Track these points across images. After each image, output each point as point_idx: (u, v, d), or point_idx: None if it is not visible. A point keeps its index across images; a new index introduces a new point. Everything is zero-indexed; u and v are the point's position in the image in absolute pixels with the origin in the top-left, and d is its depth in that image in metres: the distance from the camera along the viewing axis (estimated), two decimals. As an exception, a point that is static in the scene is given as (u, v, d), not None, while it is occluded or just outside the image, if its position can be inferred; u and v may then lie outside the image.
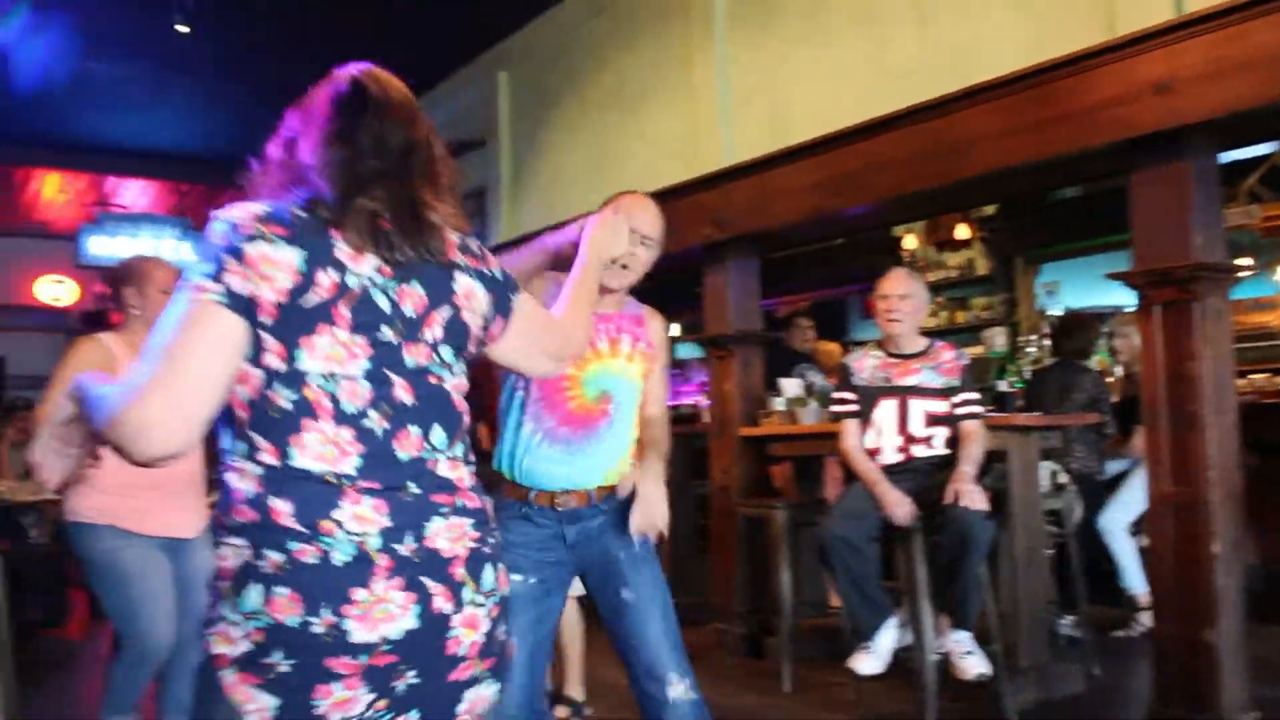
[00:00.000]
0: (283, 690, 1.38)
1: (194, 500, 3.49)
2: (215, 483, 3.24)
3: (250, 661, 1.38)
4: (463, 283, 1.57)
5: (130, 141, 10.15)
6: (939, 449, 4.08)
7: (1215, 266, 3.71)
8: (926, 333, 4.42)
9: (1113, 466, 5.39)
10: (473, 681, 1.50)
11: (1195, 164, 3.71)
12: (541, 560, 2.54)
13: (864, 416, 4.18)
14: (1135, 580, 5.19)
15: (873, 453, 4.13)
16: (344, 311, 1.44)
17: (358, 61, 1.70)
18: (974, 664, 3.86)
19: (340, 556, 1.39)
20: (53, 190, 12.12)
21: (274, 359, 1.41)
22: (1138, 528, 5.20)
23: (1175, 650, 3.72)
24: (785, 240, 6.41)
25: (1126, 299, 6.96)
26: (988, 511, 3.79)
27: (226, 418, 1.43)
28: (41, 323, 14.41)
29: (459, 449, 1.55)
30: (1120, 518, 5.23)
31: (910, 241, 9.29)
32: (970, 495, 3.74)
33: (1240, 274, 6.68)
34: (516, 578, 2.40)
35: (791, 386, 5.36)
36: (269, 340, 1.41)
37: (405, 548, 1.43)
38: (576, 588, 4.08)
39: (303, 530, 1.39)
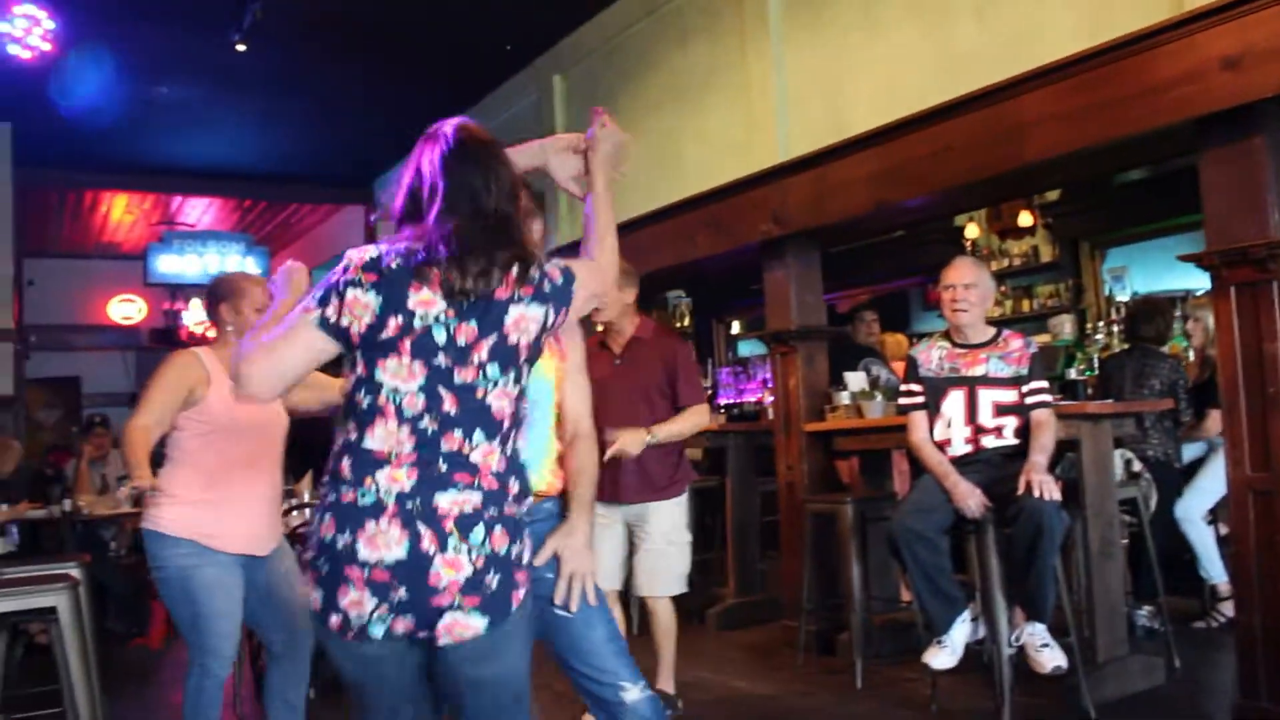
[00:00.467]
0: (322, 587, 1.94)
1: (271, 518, 3.55)
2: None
3: (311, 564, 1.97)
4: (514, 313, 2.00)
5: (193, 161, 10.33)
6: (1009, 439, 4.02)
7: (1293, 244, 3.61)
8: (992, 322, 4.35)
9: (1189, 452, 5.27)
10: (451, 608, 1.92)
11: (1268, 140, 3.61)
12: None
13: (932, 408, 4.13)
14: (1215, 569, 5.07)
15: (941, 445, 4.08)
16: (406, 345, 1.95)
17: (451, 119, 2.11)
18: (1050, 657, 3.79)
19: (366, 501, 1.92)
20: (120, 212, 12.40)
21: (360, 370, 1.98)
22: (1216, 515, 5.09)
23: (1260, 641, 3.62)
24: (845, 234, 6.37)
25: (1197, 282, 6.82)
26: (1061, 501, 3.72)
27: (344, 404, 2.03)
28: (114, 341, 14.77)
29: (499, 445, 2.01)
30: (1198, 505, 5.11)
31: (972, 231, 9.17)
32: (1043, 485, 3.68)
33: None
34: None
35: (856, 380, 5.32)
36: (358, 357, 1.98)
37: (412, 503, 1.92)
38: (652, 586, 4.08)
39: (351, 480, 1.94)
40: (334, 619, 1.93)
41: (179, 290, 14.20)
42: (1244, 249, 3.60)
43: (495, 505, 1.97)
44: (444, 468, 1.95)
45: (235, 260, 12.61)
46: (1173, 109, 3.77)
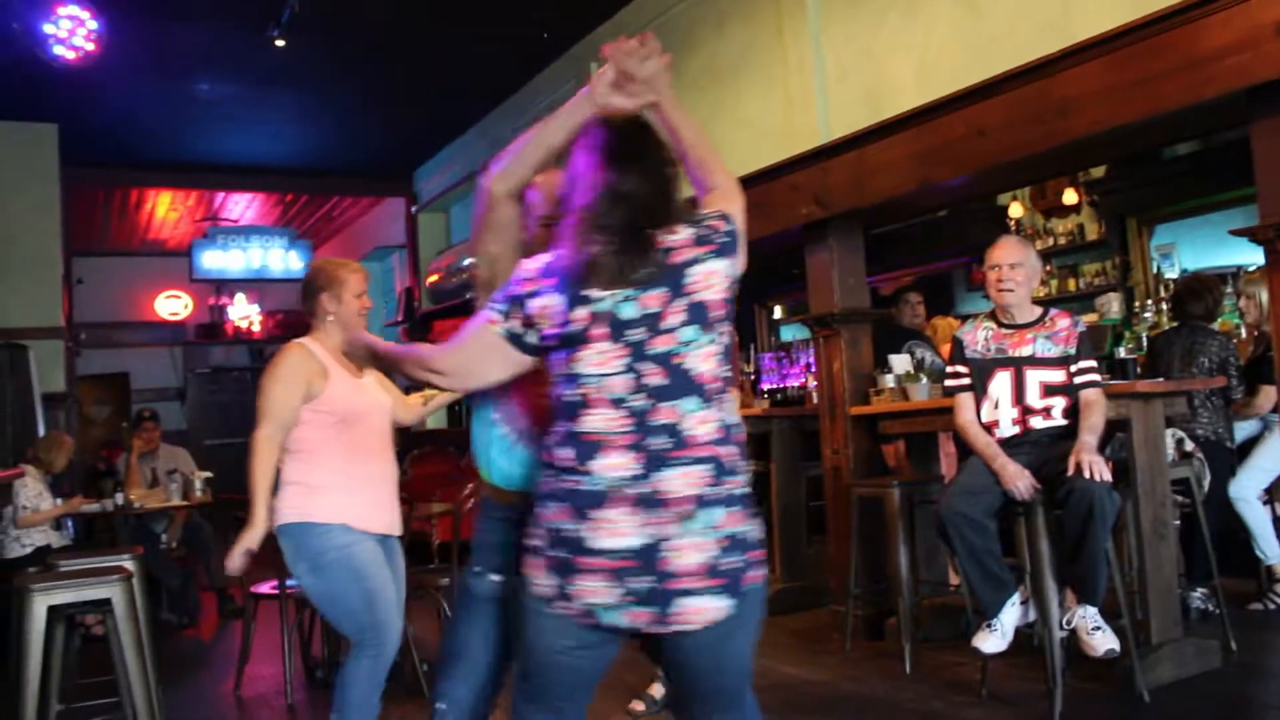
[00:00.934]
0: (554, 574, 1.98)
1: (394, 500, 3.59)
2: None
3: (541, 551, 2.01)
4: (698, 271, 2.04)
5: (235, 157, 10.43)
6: (1057, 419, 3.96)
7: (1349, 215, 3.53)
8: (1037, 302, 4.29)
9: (1242, 431, 5.18)
10: (689, 592, 1.94)
11: (1322, 109, 3.53)
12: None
13: (979, 389, 4.08)
14: (1272, 550, 4.99)
15: (989, 426, 4.04)
16: (597, 330, 2.00)
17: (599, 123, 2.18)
18: (1102, 640, 3.74)
19: (593, 487, 1.96)
20: (165, 209, 12.54)
21: (560, 366, 2.06)
22: (1272, 494, 5.00)
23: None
24: (887, 215, 6.30)
25: (1248, 257, 6.70)
26: (1112, 482, 3.67)
27: (555, 405, 2.09)
28: (161, 337, 14.97)
29: (712, 408, 2.02)
30: (1252, 484, 5.02)
31: (1016, 210, 9.05)
32: (1094, 466, 3.63)
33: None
34: (495, 578, 2.46)
35: (901, 363, 5.27)
36: (555, 355, 2.07)
37: (642, 487, 1.95)
38: None
39: (576, 467, 1.99)
40: (564, 605, 1.98)
41: (224, 285, 14.37)
42: (1298, 221, 3.53)
43: (720, 480, 1.99)
44: (664, 444, 1.97)
45: (279, 255, 12.72)
46: (1223, 79, 3.68)
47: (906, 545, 4.75)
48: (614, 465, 1.96)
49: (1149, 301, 7.73)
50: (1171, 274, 8.22)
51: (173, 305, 15.00)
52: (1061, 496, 3.71)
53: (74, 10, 6.50)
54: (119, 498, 6.90)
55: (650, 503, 1.94)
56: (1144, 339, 6.63)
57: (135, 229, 13.30)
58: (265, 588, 5.02)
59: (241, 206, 12.58)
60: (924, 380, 5.04)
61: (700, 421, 1.99)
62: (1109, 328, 7.63)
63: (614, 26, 7.60)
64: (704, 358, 2.03)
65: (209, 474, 7.39)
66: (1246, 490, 5.01)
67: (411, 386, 3.43)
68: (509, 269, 2.18)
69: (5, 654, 3.74)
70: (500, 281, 2.19)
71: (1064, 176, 8.26)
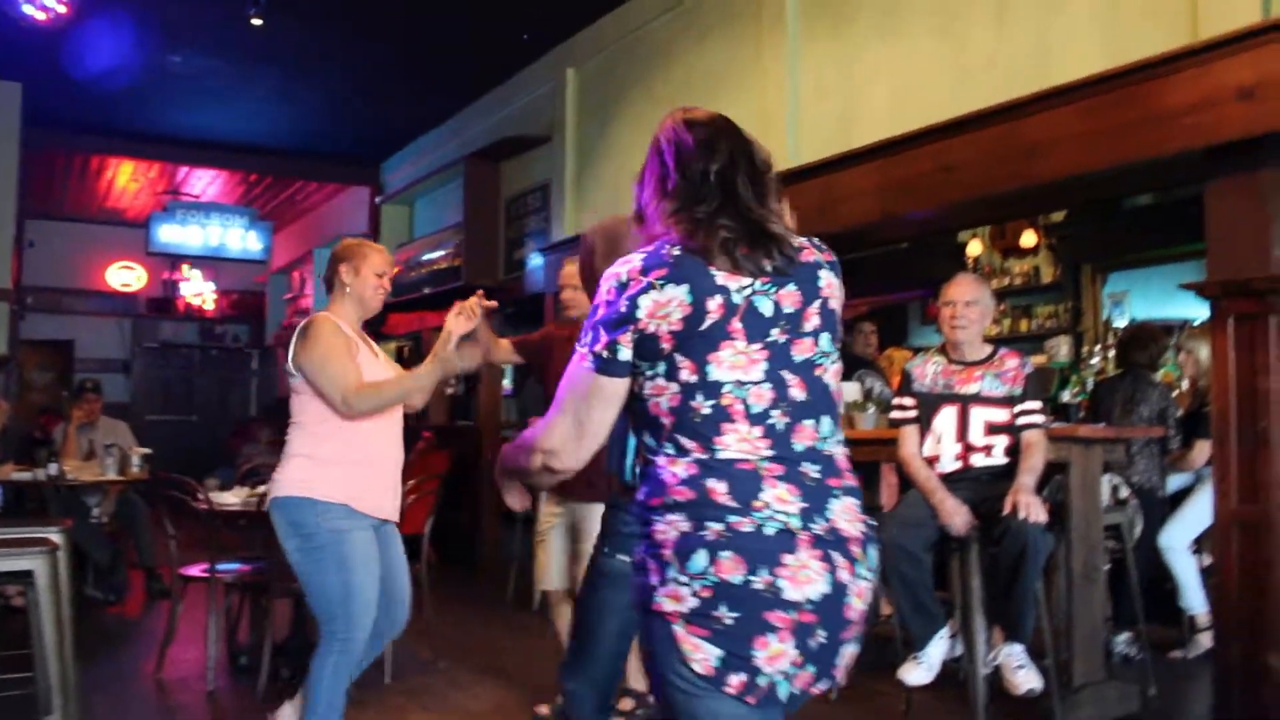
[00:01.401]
0: (726, 641, 1.61)
1: (398, 485, 3.58)
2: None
3: (699, 615, 1.62)
4: (825, 277, 1.80)
5: (202, 132, 10.30)
6: (998, 458, 4.01)
7: (1294, 280, 3.60)
8: (988, 340, 4.34)
9: (1175, 482, 5.26)
10: (851, 641, 1.71)
11: (1276, 173, 3.60)
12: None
13: (924, 423, 4.12)
14: (1195, 600, 5.06)
15: (931, 460, 4.07)
16: (737, 325, 1.69)
17: (676, 109, 1.95)
18: (1026, 679, 3.79)
19: (770, 529, 1.63)
20: (126, 179, 12.37)
21: (688, 374, 1.69)
22: (1200, 545, 5.08)
23: (1236, 674, 3.62)
24: (851, 244, 6.33)
25: (1195, 311, 6.82)
26: (1046, 524, 3.72)
27: (648, 423, 1.75)
28: (110, 307, 14.76)
29: (839, 433, 1.79)
30: (1182, 535, 5.10)
31: (975, 247, 9.16)
32: (1030, 506, 3.67)
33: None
34: (624, 558, 2.62)
35: (850, 391, 5.31)
36: (680, 359, 1.69)
37: (819, 526, 1.66)
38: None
39: (737, 506, 1.64)
40: (737, 679, 1.61)
41: (179, 260, 14.19)
42: (1245, 281, 3.60)
43: (864, 512, 1.76)
44: (815, 472, 1.70)
45: (238, 234, 12.60)
46: (1184, 136, 3.76)
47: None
48: (780, 498, 1.65)
49: (1097, 347, 7.83)
50: (1122, 321, 8.35)
51: (125, 276, 14.79)
52: (997, 535, 3.75)
53: (46, -30, 6.40)
54: (52, 468, 6.76)
55: (830, 543, 1.66)
56: (1089, 384, 6.72)
57: (93, 196, 13.10)
58: (195, 570, 4.94)
59: (204, 182, 12.43)
60: (871, 409, 5.07)
61: (837, 444, 1.77)
62: (1057, 370, 7.73)
63: (595, 33, 7.62)
64: (834, 373, 1.80)
65: (148, 450, 7.27)
66: (1176, 540, 5.09)
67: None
68: None
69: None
70: None
71: (1025, 218, 8.37)
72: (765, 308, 1.71)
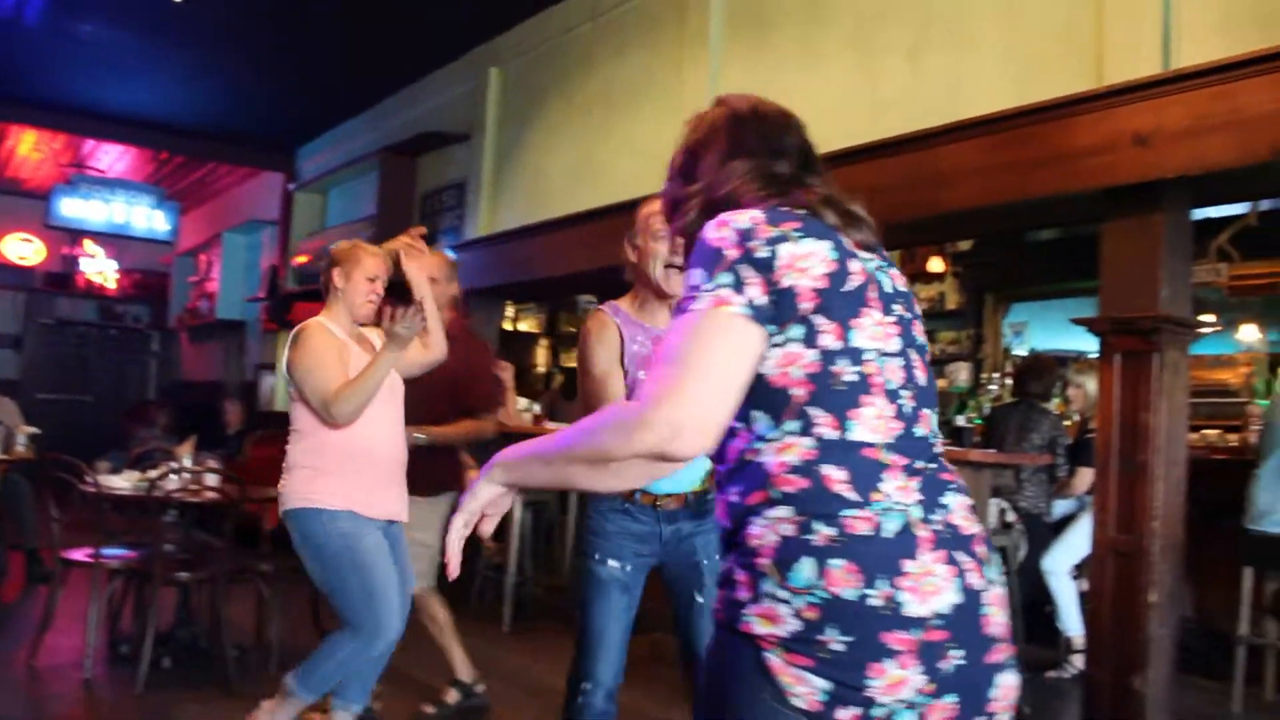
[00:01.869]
0: (835, 670, 1.31)
1: (402, 485, 3.55)
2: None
3: (801, 640, 1.32)
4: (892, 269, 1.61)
5: (112, 105, 10.02)
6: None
7: (1179, 320, 3.76)
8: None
9: (1060, 508, 5.44)
10: (1005, 666, 1.42)
11: (1168, 218, 3.76)
12: (638, 551, 2.73)
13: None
14: (1072, 622, 5.23)
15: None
16: (873, 294, 1.47)
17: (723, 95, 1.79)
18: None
19: (891, 526, 1.35)
20: (28, 148, 11.97)
21: (830, 339, 1.41)
22: (1080, 571, 5.25)
23: (1104, 695, 3.76)
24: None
25: (1091, 345, 7.06)
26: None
27: (766, 400, 1.42)
28: (3, 280, 14.25)
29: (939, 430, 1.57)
30: (1064, 559, 5.27)
31: (884, 271, 9.33)
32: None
33: (1203, 330, 6.79)
34: (614, 564, 2.69)
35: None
36: (821, 322, 1.41)
37: (939, 521, 1.39)
38: (429, 578, 4.03)
39: (856, 498, 1.36)
40: (848, 714, 1.31)
41: (81, 235, 13.78)
42: (1132, 319, 3.74)
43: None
44: (932, 464, 1.45)
45: (144, 212, 12.29)
46: (1084, 177, 3.90)
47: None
48: (902, 489, 1.38)
49: (995, 375, 8.07)
50: (1021, 351, 8.61)
51: (22, 249, 14.30)
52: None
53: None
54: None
55: (953, 542, 1.39)
56: (986, 409, 6.91)
57: (-9, 164, 12.67)
58: (79, 554, 4.81)
59: (111, 157, 12.09)
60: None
61: (939, 438, 1.54)
62: (956, 395, 7.93)
63: (519, 34, 7.61)
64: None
65: (35, 430, 7.05)
66: (1058, 564, 5.26)
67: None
68: None
69: None
70: None
71: (934, 245, 8.58)
72: (886, 283, 1.52)
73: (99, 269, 14.66)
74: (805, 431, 1.39)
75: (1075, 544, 5.19)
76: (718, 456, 1.49)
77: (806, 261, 1.42)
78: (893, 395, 1.43)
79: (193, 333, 14.00)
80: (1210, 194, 3.99)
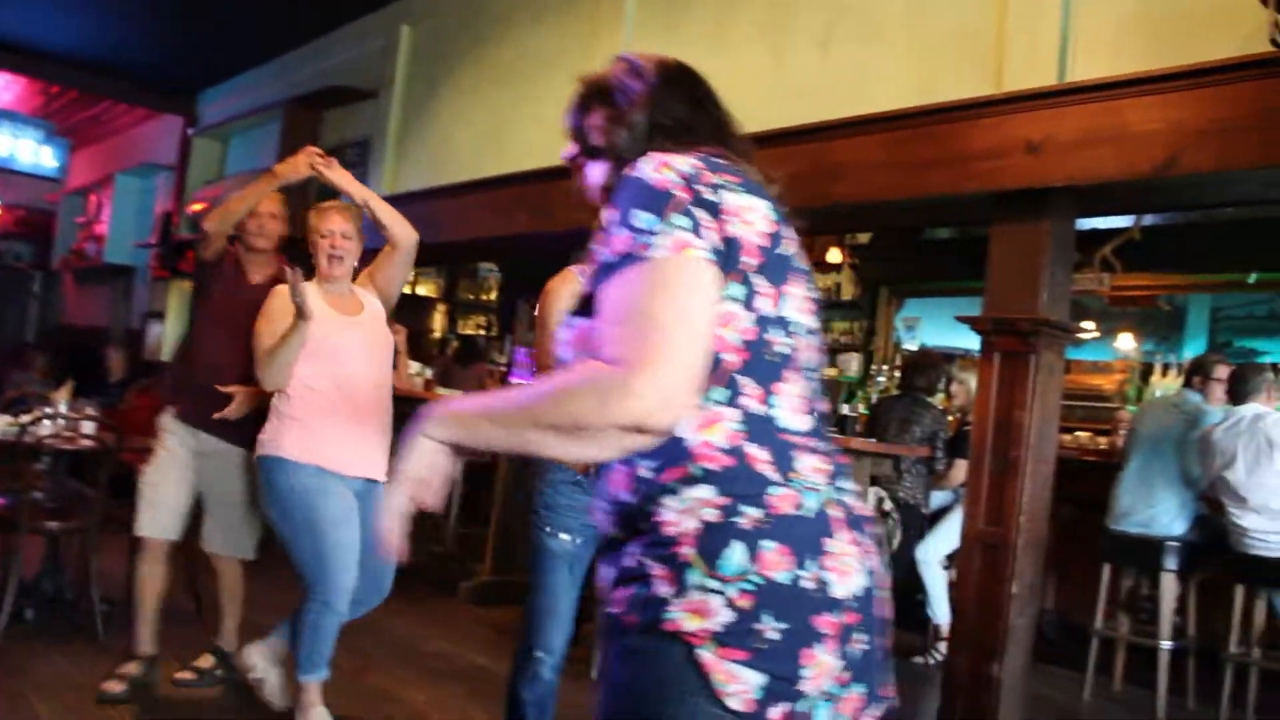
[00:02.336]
0: (769, 662, 1.22)
1: (380, 442, 3.49)
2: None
3: (735, 632, 1.22)
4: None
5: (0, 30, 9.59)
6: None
7: (1056, 325, 3.90)
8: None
9: (937, 499, 5.61)
10: (888, 655, 1.37)
11: (1054, 225, 3.88)
12: (586, 524, 2.79)
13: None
14: (941, 610, 5.41)
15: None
16: (798, 265, 1.39)
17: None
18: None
19: (811, 505, 1.28)
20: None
21: (767, 303, 1.33)
22: (951, 561, 5.43)
23: (963, 680, 3.90)
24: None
25: (977, 344, 7.27)
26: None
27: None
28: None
29: None
30: (937, 549, 5.45)
31: (784, 258, 9.46)
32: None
33: (1081, 335, 7.04)
34: (565, 537, 2.75)
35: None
36: (760, 283, 1.32)
37: (844, 502, 1.34)
38: (242, 548, 3.92)
39: (778, 477, 1.28)
40: (780, 711, 1.23)
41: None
42: (1013, 320, 3.87)
43: None
44: (830, 445, 1.39)
45: (30, 146, 11.80)
46: (976, 179, 4.00)
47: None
48: (815, 470, 1.32)
49: (884, 367, 8.25)
50: (911, 345, 8.82)
51: (-104, 178, 13.64)
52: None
53: None
54: None
55: (856, 523, 1.34)
56: (873, 399, 7.08)
57: None
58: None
59: (-2, 87, 11.58)
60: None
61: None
62: (845, 384, 8.09)
63: (434, -6, 7.49)
64: None
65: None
66: (931, 554, 5.43)
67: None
68: None
69: None
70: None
71: (831, 235, 8.72)
72: (800, 261, 1.43)
73: (-18, 202, 14.07)
74: (731, 402, 1.29)
75: (949, 535, 5.36)
76: None
77: (751, 215, 1.32)
78: (808, 374, 1.38)
79: (78, 275, 13.51)
80: (1095, 205, 4.13)
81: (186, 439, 3.82)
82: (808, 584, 1.24)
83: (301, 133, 8.79)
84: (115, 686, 3.74)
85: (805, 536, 1.26)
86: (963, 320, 4.16)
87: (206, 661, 3.99)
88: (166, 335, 10.46)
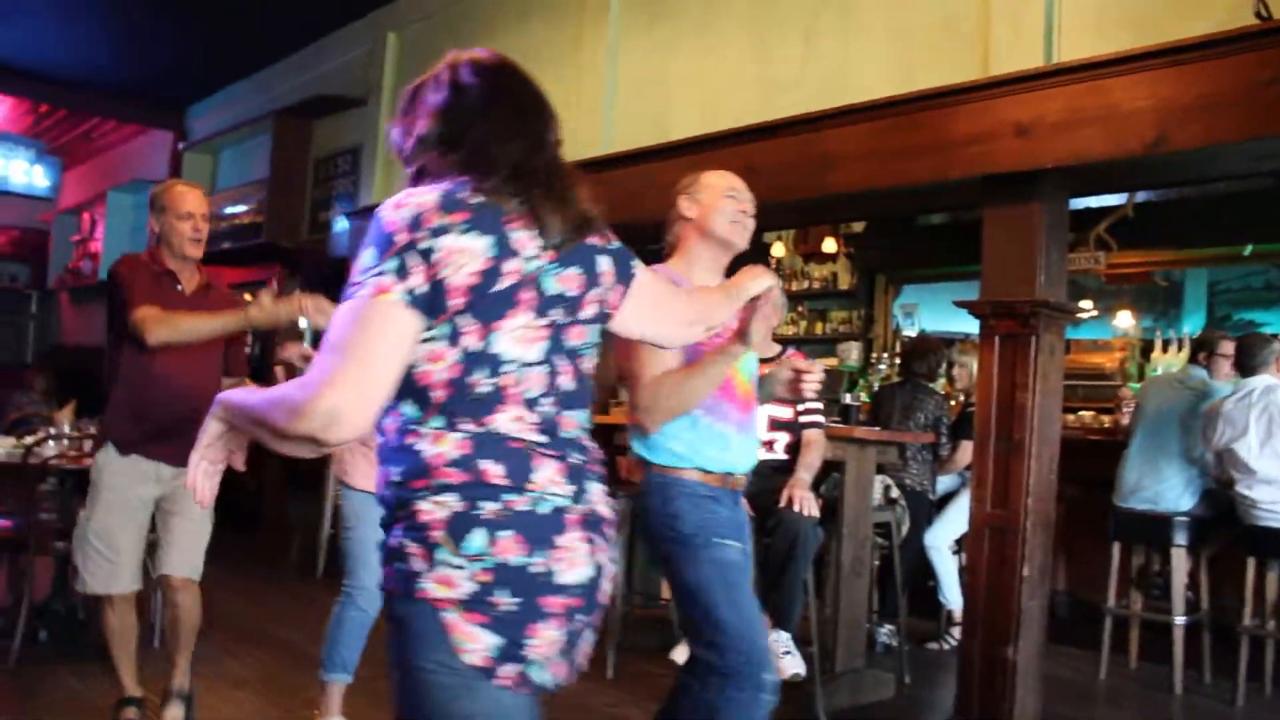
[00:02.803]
0: (504, 628, 1.48)
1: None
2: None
3: (476, 601, 1.47)
4: (603, 263, 1.67)
5: (-10, 52, 9.58)
6: (779, 454, 4.19)
7: (1055, 305, 3.90)
8: (780, 340, 4.52)
9: (943, 484, 5.61)
10: (593, 628, 1.63)
11: (1046, 206, 3.88)
12: (741, 534, 2.70)
13: (711, 416, 4.24)
14: (952, 596, 5.42)
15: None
16: (527, 296, 1.52)
17: (468, 49, 1.74)
18: (790, 664, 3.97)
19: (544, 509, 1.51)
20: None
21: (472, 340, 1.49)
22: (960, 546, 5.44)
23: (977, 664, 3.90)
24: (659, 234, 6.47)
25: (974, 327, 7.27)
26: (819, 518, 3.91)
27: (413, 393, 1.51)
28: None
29: (590, 425, 1.68)
30: (945, 535, 5.45)
31: (779, 249, 9.47)
32: (804, 501, 3.86)
33: (1080, 315, 7.04)
34: (736, 544, 2.63)
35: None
36: (466, 322, 1.48)
37: (583, 507, 1.57)
38: (196, 569, 3.53)
39: (513, 485, 1.50)
40: (512, 669, 1.50)
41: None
42: (1011, 303, 3.87)
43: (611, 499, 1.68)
44: (579, 459, 1.60)
45: (21, 167, 11.80)
46: (965, 164, 3.99)
47: (623, 555, 4.89)
48: (553, 480, 1.53)
49: (885, 355, 8.25)
50: (910, 332, 8.81)
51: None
52: (770, 526, 3.92)
53: None
54: None
55: (593, 524, 1.58)
56: (875, 387, 7.08)
57: None
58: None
59: (-13, 108, 11.58)
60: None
61: (589, 434, 1.67)
62: (846, 373, 8.09)
63: (418, -1, 7.49)
64: (594, 364, 1.69)
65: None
66: (940, 540, 5.44)
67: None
68: None
69: None
70: None
71: (826, 226, 8.72)
72: (549, 286, 1.56)
73: (-29, 225, 14.06)
74: (451, 427, 1.50)
75: (957, 520, 5.37)
76: (379, 429, 1.56)
77: (463, 258, 1.46)
78: (532, 404, 1.54)
79: (74, 294, 13.50)
80: (1087, 185, 4.14)
81: (136, 474, 3.45)
82: (538, 570, 1.49)
83: (292, 143, 8.80)
84: None
85: (538, 532, 1.50)
86: (961, 304, 4.16)
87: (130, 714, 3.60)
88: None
